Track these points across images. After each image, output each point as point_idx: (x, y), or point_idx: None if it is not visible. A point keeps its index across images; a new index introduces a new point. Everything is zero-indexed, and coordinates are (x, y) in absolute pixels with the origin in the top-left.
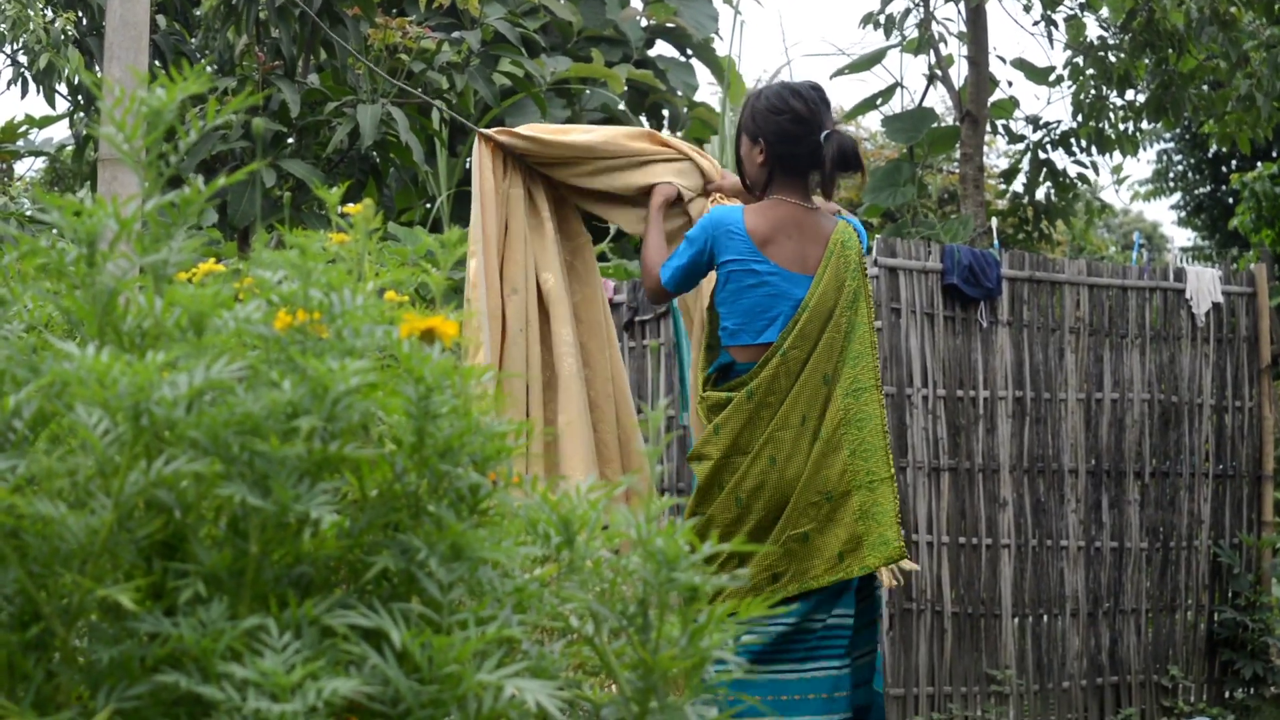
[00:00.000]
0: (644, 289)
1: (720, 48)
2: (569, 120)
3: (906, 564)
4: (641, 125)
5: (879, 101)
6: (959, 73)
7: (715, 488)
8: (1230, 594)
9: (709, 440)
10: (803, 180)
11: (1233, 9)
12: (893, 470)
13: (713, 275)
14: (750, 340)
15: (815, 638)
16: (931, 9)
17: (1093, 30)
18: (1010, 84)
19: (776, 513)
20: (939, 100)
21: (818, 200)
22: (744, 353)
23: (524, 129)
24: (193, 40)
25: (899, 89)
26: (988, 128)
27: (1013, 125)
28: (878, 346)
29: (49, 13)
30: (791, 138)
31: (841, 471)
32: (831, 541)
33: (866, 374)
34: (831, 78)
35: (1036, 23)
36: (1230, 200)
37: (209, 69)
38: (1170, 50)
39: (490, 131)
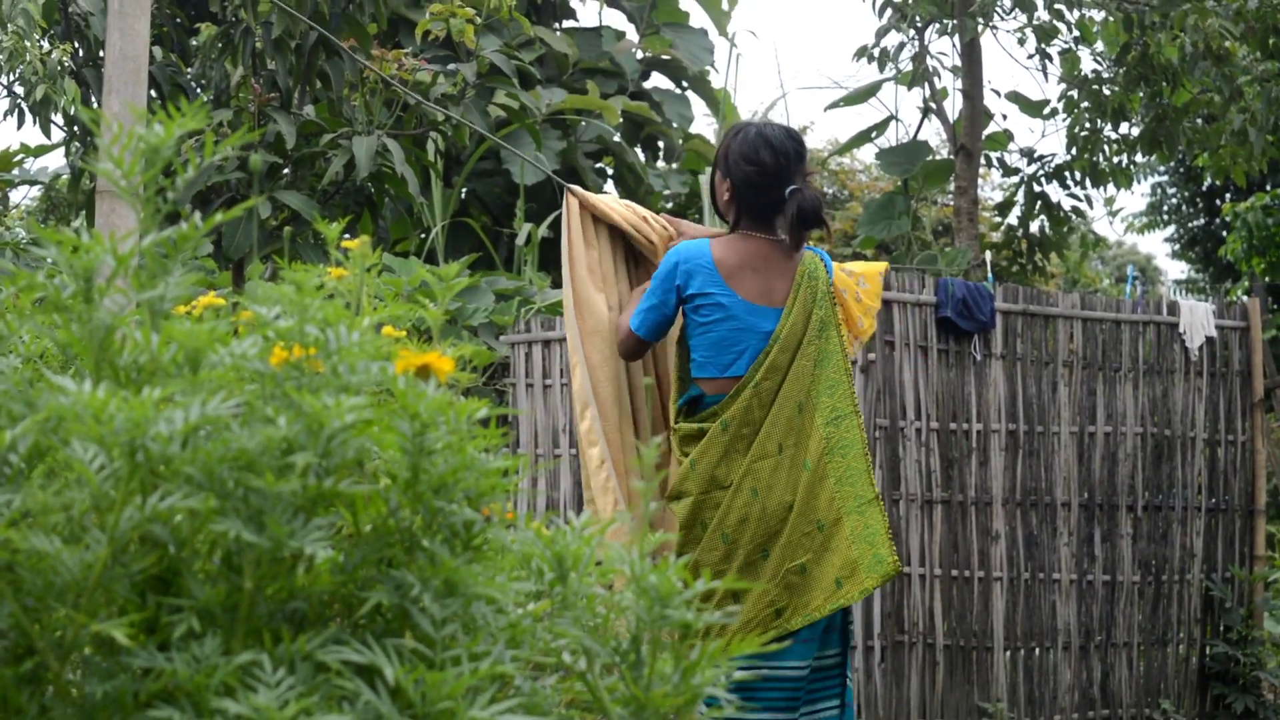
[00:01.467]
0: (619, 350)
1: (715, 80)
2: (564, 151)
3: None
4: (636, 156)
5: (874, 134)
6: (953, 106)
7: (698, 525)
8: (1222, 628)
9: (686, 476)
10: (769, 219)
11: (1227, 44)
12: (877, 491)
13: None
14: (717, 374)
15: (811, 681)
16: (926, 42)
17: (1087, 64)
18: (1005, 117)
19: (764, 545)
20: (933, 133)
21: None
22: (711, 385)
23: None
24: (189, 71)
25: (894, 122)
26: (982, 161)
27: (1007, 158)
28: (852, 373)
29: (45, 44)
30: (756, 188)
31: (830, 499)
32: (828, 570)
33: (844, 401)
34: (826, 110)
35: (1031, 56)
36: (1224, 233)
37: (205, 101)
38: (1164, 84)
39: (574, 188)
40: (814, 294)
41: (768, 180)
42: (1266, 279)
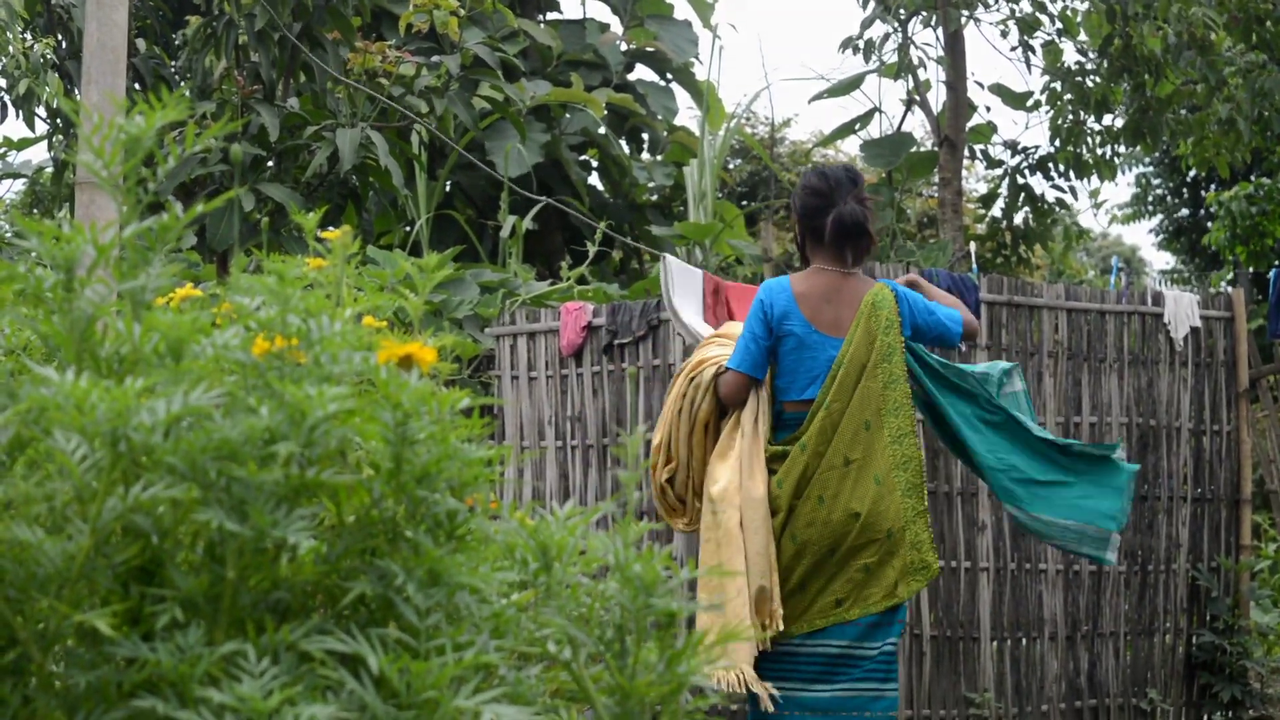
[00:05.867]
0: (724, 394)
1: (700, 72)
2: (549, 144)
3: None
4: (621, 148)
5: (857, 126)
6: (937, 98)
7: (784, 532)
8: (1208, 617)
9: (776, 494)
10: (835, 249)
11: (1210, 34)
12: (926, 505)
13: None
14: (797, 396)
15: (870, 663)
16: (910, 34)
17: (1070, 55)
18: (988, 109)
19: (832, 547)
20: (917, 125)
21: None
22: (791, 406)
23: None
24: (173, 64)
25: (877, 114)
26: (966, 152)
27: (991, 150)
28: (911, 396)
29: (28, 37)
30: (813, 211)
31: (898, 510)
32: (889, 572)
33: (907, 422)
34: (810, 102)
35: (1014, 48)
36: (1209, 223)
37: (188, 93)
38: (1147, 75)
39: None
40: (878, 322)
41: (819, 201)
42: (1250, 267)
